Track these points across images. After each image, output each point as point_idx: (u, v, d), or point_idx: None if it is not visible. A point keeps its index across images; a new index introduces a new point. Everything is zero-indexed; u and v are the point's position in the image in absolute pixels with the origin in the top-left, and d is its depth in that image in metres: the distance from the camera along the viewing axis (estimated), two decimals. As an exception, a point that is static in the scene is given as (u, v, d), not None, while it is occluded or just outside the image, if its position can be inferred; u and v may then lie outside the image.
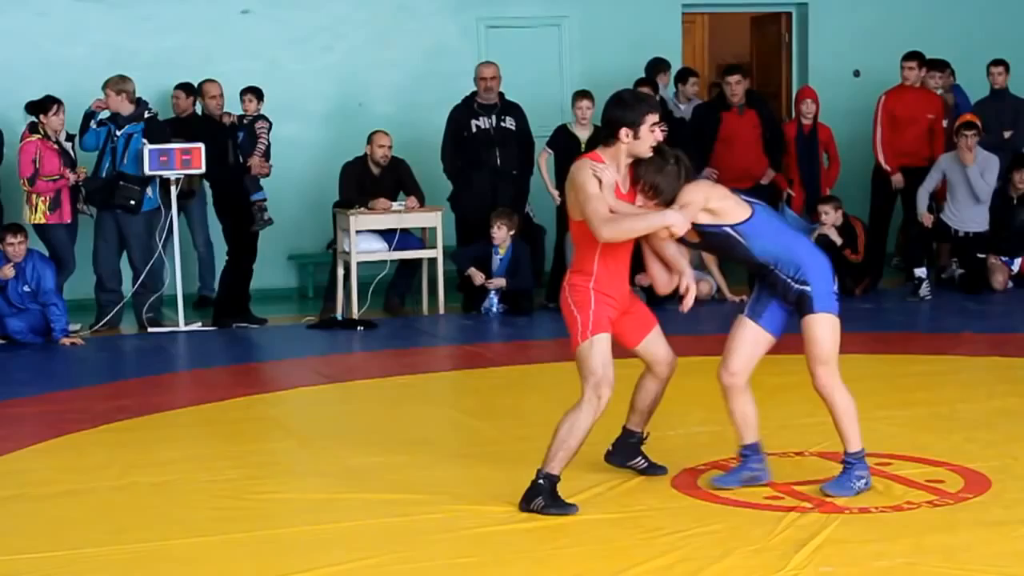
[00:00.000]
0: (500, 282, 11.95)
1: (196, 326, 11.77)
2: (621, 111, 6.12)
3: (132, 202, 11.54)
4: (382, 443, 7.64)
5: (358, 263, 11.94)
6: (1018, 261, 12.79)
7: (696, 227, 6.10)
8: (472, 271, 11.99)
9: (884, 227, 13.27)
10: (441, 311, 12.18)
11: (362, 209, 11.92)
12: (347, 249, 11.95)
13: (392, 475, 6.92)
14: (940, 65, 13.50)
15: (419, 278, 12.37)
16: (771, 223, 6.22)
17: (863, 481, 6.27)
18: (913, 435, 7.47)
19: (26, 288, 11.10)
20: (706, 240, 6.19)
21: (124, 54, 12.84)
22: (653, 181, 6.09)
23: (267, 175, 12.02)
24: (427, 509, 6.25)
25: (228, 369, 10.39)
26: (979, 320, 11.53)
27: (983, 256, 12.62)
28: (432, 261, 12.25)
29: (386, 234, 12.05)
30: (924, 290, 12.28)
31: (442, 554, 5.72)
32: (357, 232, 11.89)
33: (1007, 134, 13.25)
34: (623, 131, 6.08)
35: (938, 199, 12.90)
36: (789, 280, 6.13)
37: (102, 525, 6.20)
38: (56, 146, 11.59)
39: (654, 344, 6.44)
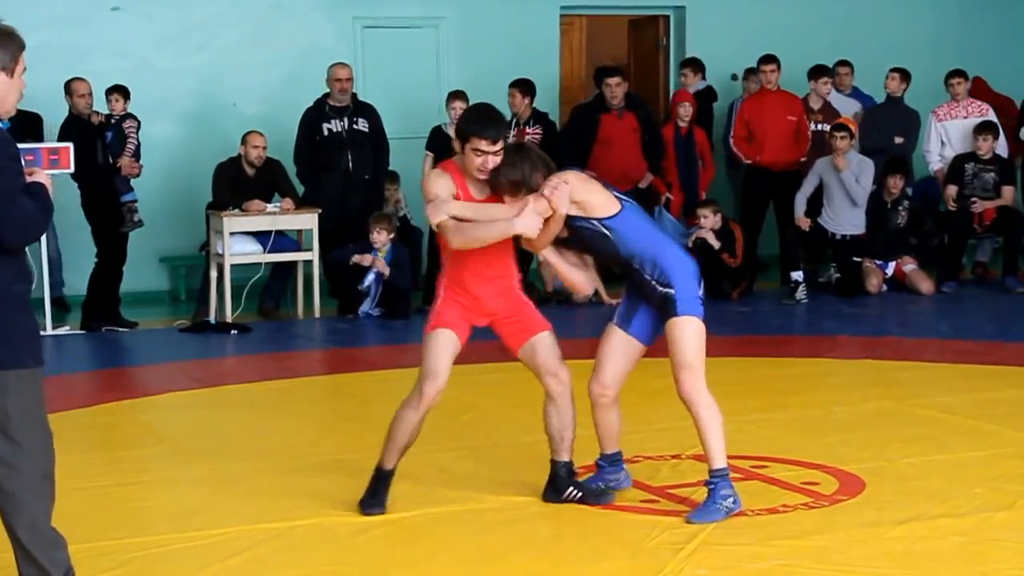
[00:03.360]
0: (382, 264, 11.77)
1: (64, 329, 11.55)
2: (462, 121, 6.04)
3: None
4: (255, 448, 7.53)
5: (232, 265, 11.78)
6: (892, 265, 12.93)
7: (567, 219, 5.96)
8: (358, 257, 11.83)
9: (756, 230, 13.36)
10: (316, 314, 12.06)
11: (236, 211, 11.76)
12: (220, 251, 11.78)
13: (265, 480, 6.82)
14: (824, 71, 13.61)
15: (294, 281, 12.23)
16: (640, 222, 6.07)
17: (730, 500, 6.02)
18: (788, 437, 7.52)
19: None
20: (575, 234, 6.01)
21: (-13, 49, 12.53)
22: (508, 178, 5.92)
23: (137, 175, 11.81)
24: (300, 515, 6.17)
25: (98, 373, 10.22)
26: (854, 323, 11.64)
27: (859, 260, 12.75)
28: (307, 263, 12.12)
29: (260, 236, 11.90)
30: (800, 293, 12.38)
31: (316, 560, 5.65)
32: (231, 234, 11.73)
33: (898, 140, 13.40)
34: (456, 140, 6.02)
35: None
36: (653, 282, 5.98)
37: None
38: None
39: (537, 353, 6.14)
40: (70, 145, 11.31)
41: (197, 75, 13.56)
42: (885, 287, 12.88)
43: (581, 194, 5.96)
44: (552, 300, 12.44)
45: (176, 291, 13.58)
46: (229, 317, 11.75)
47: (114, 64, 12.80)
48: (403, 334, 11.27)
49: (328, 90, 12.35)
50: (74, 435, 8.10)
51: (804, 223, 12.72)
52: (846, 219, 12.74)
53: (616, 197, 6.06)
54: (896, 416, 8.07)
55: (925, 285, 12.77)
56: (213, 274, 11.96)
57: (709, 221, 12.59)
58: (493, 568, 5.53)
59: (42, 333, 11.04)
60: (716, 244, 12.51)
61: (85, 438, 8.07)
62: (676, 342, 6.00)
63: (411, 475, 6.49)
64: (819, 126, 13.40)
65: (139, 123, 11.82)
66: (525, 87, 12.58)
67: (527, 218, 5.85)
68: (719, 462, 6.06)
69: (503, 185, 5.94)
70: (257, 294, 12.12)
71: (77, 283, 12.21)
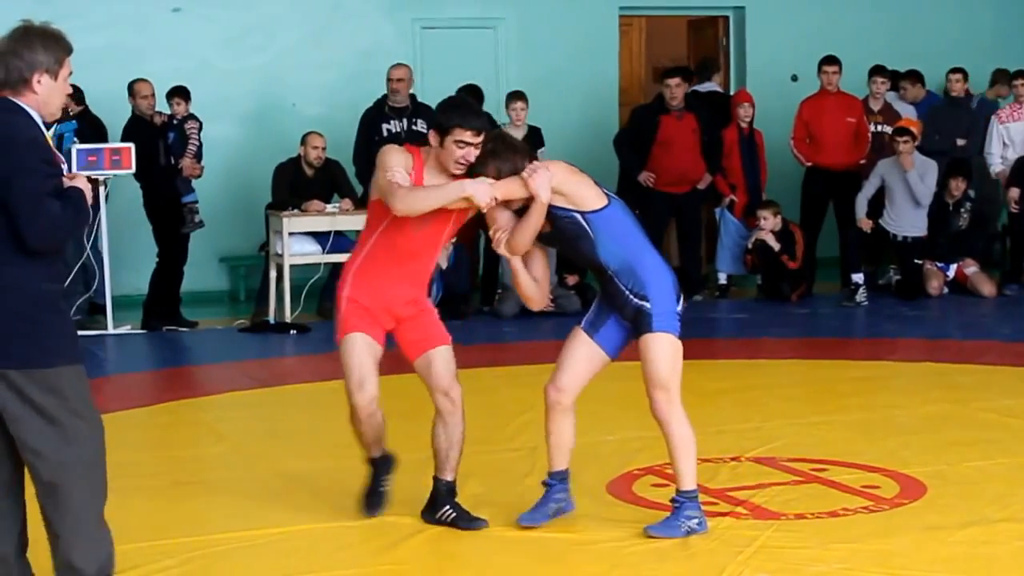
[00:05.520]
0: (442, 259, 11.75)
1: (125, 329, 11.62)
2: (438, 113, 5.83)
3: None
4: (314, 448, 7.56)
5: (291, 266, 11.81)
6: (954, 267, 12.83)
7: (549, 210, 5.66)
8: None
9: (816, 232, 13.29)
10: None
11: (295, 211, 11.80)
12: (280, 251, 11.82)
13: (324, 480, 6.83)
14: (881, 71, 13.53)
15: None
16: (624, 222, 5.79)
17: (695, 521, 5.78)
18: (848, 440, 7.47)
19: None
20: (557, 227, 5.70)
21: (52, 53, 12.65)
22: (500, 169, 5.66)
23: (199, 176, 11.87)
24: (358, 514, 6.15)
25: (158, 373, 10.27)
26: (914, 326, 11.57)
27: (920, 262, 12.66)
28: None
29: (320, 236, 11.93)
30: (861, 295, 12.30)
31: (372, 560, 5.66)
32: (290, 234, 11.76)
33: (961, 142, 13.29)
34: (431, 134, 5.78)
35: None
36: (628, 292, 5.71)
37: (28, 532, 6.05)
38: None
39: (431, 367, 5.91)
40: (131, 145, 11.40)
41: (257, 76, 13.64)
42: (946, 289, 12.79)
43: (569, 185, 5.69)
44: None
45: (236, 291, 13.66)
46: (288, 317, 11.79)
47: (175, 65, 12.88)
48: (462, 335, 11.18)
49: (387, 91, 12.38)
50: (134, 434, 8.18)
51: (866, 224, 12.63)
52: (908, 221, 12.66)
53: (605, 194, 5.82)
54: (957, 419, 8.01)
55: (987, 288, 12.67)
56: (272, 274, 12.00)
57: (769, 223, 12.54)
58: (552, 569, 5.54)
59: (104, 332, 11.34)
60: (776, 246, 12.47)
61: (145, 437, 8.13)
62: (650, 361, 5.72)
63: (472, 473, 6.49)
64: (879, 127, 13.32)
65: (200, 124, 11.89)
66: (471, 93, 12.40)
67: (481, 185, 5.59)
68: (688, 484, 5.82)
69: (496, 176, 5.68)
70: (316, 294, 12.15)
71: (137, 283, 12.29)
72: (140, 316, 11.86)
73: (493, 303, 12.17)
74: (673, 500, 5.87)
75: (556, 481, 5.97)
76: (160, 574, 5.53)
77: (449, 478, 6.02)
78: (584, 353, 5.87)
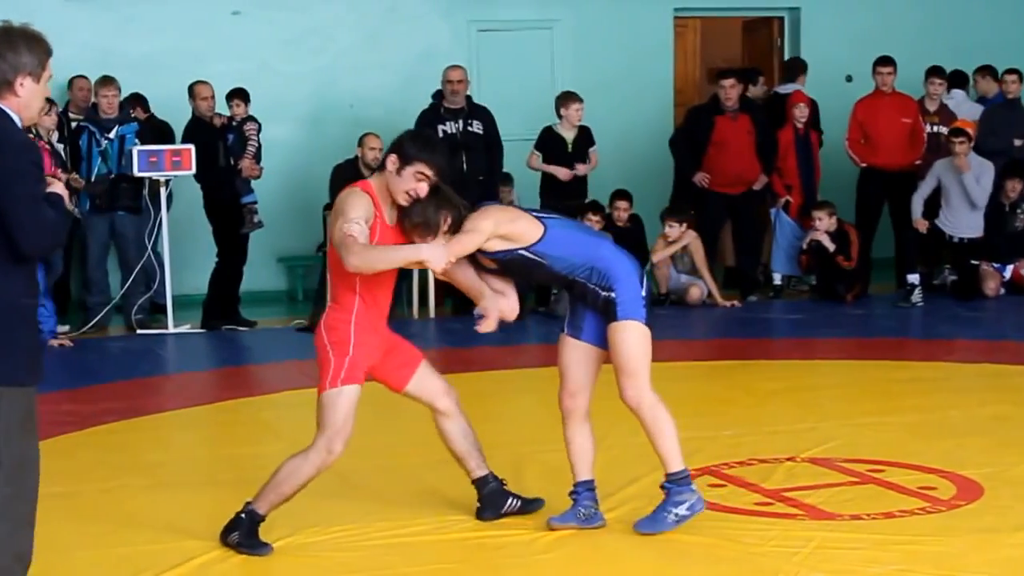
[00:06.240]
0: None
1: (185, 328, 11.75)
2: (406, 141, 5.71)
3: (136, 204, 11.67)
4: (371, 447, 7.61)
5: (348, 266, 11.87)
6: (1010, 268, 12.78)
7: (489, 255, 5.73)
8: None
9: (871, 232, 13.26)
10: (431, 315, 12.15)
11: (352, 212, 11.85)
12: (337, 252, 11.87)
13: (380, 479, 6.90)
14: (938, 72, 13.48)
15: (409, 281, 12.33)
16: (567, 236, 5.79)
17: (685, 506, 5.80)
18: (904, 441, 7.46)
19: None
20: (503, 265, 5.78)
21: (112, 55, 12.83)
22: (410, 220, 5.65)
23: (258, 177, 11.98)
24: (413, 514, 6.21)
25: (217, 372, 10.37)
26: (971, 327, 11.53)
27: (976, 263, 12.62)
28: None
29: (376, 237, 11.98)
30: (916, 296, 12.27)
31: (428, 559, 5.71)
32: (347, 235, 11.81)
33: (1018, 142, 13.23)
34: (391, 158, 5.66)
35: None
36: (596, 288, 5.74)
37: (91, 528, 6.16)
38: (48, 146, 11.57)
39: (424, 380, 5.98)
40: (191, 147, 11.53)
41: (315, 78, 13.75)
42: (1003, 290, 12.74)
43: (505, 227, 5.68)
44: (666, 301, 12.47)
45: (293, 291, 13.76)
46: (345, 317, 11.84)
47: (234, 67, 13.00)
48: (516, 335, 11.32)
49: (443, 92, 12.45)
50: (194, 432, 8.28)
51: (922, 225, 12.60)
52: (964, 221, 12.61)
53: (537, 218, 5.78)
54: (1014, 420, 7.98)
55: (1044, 289, 12.62)
56: (328, 278, 12.06)
57: (824, 223, 12.53)
58: (606, 568, 5.57)
59: (164, 331, 11.47)
60: (831, 246, 12.46)
61: (204, 435, 8.22)
62: (616, 348, 5.76)
63: (527, 473, 6.54)
64: (935, 128, 13.28)
65: (260, 126, 12.00)
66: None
67: (438, 250, 5.55)
68: (674, 465, 5.83)
69: (407, 225, 5.67)
70: (373, 294, 12.21)
71: (197, 283, 12.41)
72: (200, 315, 11.98)
73: (549, 304, 12.22)
74: (662, 486, 5.87)
75: (582, 489, 5.98)
76: (220, 564, 5.60)
77: (488, 471, 6.08)
78: (578, 355, 5.92)
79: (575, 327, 5.91)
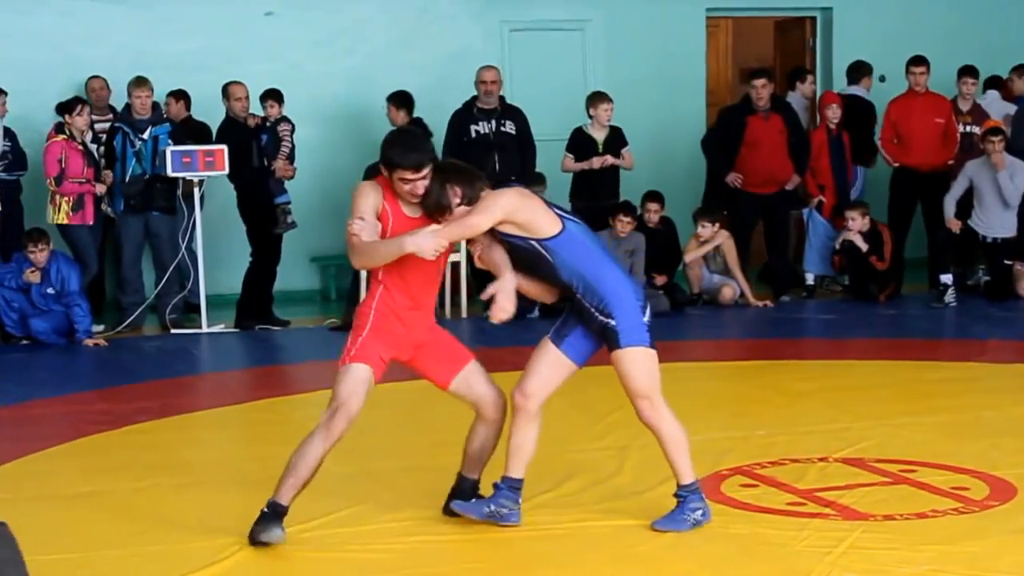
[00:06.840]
0: None
1: (219, 328, 11.79)
2: (382, 150, 5.76)
3: (171, 204, 11.76)
4: (402, 447, 7.63)
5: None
6: (1043, 268, 12.72)
7: (501, 236, 5.74)
8: None
9: (904, 233, 13.23)
10: (464, 314, 12.16)
11: (385, 211, 11.88)
12: (370, 252, 11.90)
13: (410, 478, 6.91)
14: (970, 71, 13.43)
15: (443, 281, 12.33)
16: (581, 244, 5.78)
17: (699, 512, 5.91)
18: (937, 441, 7.44)
19: (50, 290, 11.15)
20: (512, 252, 5.77)
21: (147, 56, 12.90)
22: (424, 206, 5.71)
23: (291, 177, 12.02)
24: (441, 513, 6.21)
25: (251, 371, 10.41)
26: (1004, 327, 11.48)
27: (1009, 263, 12.57)
28: (455, 264, 12.22)
29: (409, 236, 11.99)
30: (949, 296, 12.23)
31: (457, 558, 5.75)
32: (380, 235, 11.84)
33: None
34: (382, 167, 5.76)
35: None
36: (593, 310, 5.74)
37: (123, 526, 6.20)
38: (81, 147, 11.65)
39: (473, 383, 5.95)
40: (224, 147, 11.59)
41: (347, 78, 13.78)
42: (1036, 291, 12.69)
43: (520, 214, 5.69)
44: (699, 301, 12.46)
45: (326, 290, 13.81)
46: (378, 317, 11.87)
47: (267, 68, 13.04)
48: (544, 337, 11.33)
49: (476, 93, 12.46)
50: (228, 431, 8.31)
51: (955, 225, 12.56)
52: (997, 221, 12.56)
53: (558, 216, 5.79)
54: (1048, 421, 7.97)
55: (1078, 289, 12.56)
56: (363, 274, 12.10)
57: (857, 223, 12.50)
58: (640, 570, 5.56)
59: (198, 331, 11.52)
60: (864, 247, 12.43)
61: (238, 434, 8.24)
62: (626, 376, 5.79)
63: (560, 472, 6.54)
64: (967, 128, 13.23)
65: (293, 126, 12.04)
66: (400, 100, 12.38)
67: (423, 237, 5.59)
68: (687, 478, 5.92)
69: (426, 214, 5.73)
70: (405, 294, 12.23)
71: (231, 282, 12.46)
72: (234, 315, 12.03)
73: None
74: (676, 495, 5.95)
75: (505, 486, 5.96)
76: (250, 564, 5.63)
77: (476, 477, 6.11)
78: (550, 361, 5.92)
79: (560, 335, 5.92)
